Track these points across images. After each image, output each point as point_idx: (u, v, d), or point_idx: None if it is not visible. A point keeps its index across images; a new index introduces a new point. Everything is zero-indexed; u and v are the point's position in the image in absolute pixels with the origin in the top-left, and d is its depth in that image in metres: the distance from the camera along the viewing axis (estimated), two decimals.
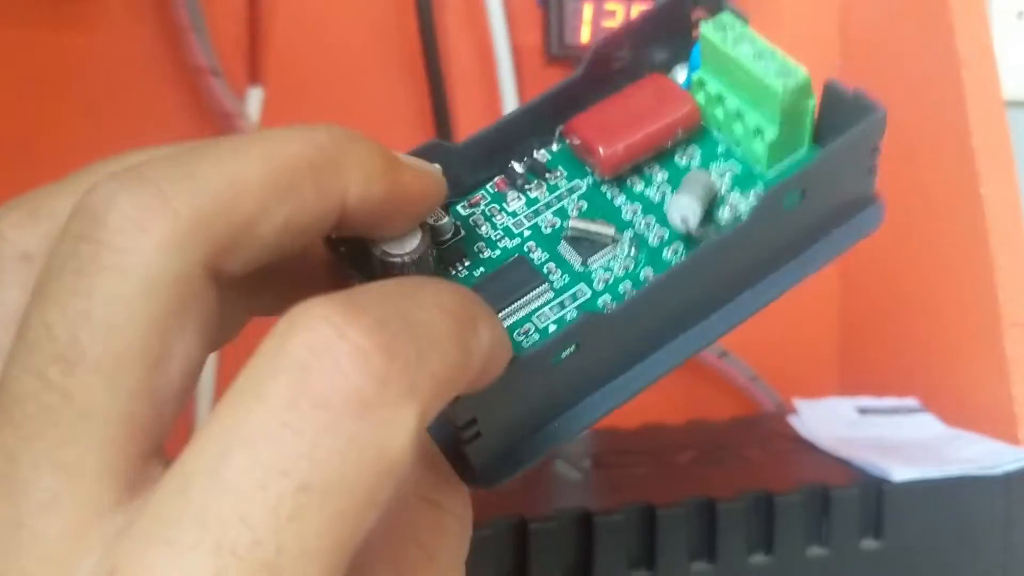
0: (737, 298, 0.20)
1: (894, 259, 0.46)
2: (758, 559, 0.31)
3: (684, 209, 0.19)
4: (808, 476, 0.33)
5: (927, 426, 0.39)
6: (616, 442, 0.39)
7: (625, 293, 0.19)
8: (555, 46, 0.38)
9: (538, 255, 0.20)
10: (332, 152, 0.17)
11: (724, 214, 0.19)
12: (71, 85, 0.41)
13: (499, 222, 0.20)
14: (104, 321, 0.15)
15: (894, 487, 0.32)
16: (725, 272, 0.19)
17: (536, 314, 0.19)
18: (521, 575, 0.29)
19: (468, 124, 0.43)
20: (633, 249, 0.20)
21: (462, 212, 0.20)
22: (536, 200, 0.21)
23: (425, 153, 0.19)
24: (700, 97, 0.20)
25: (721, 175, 0.20)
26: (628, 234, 0.20)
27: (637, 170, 0.21)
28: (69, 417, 0.14)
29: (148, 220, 0.15)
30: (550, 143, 0.21)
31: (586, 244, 0.20)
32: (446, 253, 0.20)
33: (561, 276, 0.20)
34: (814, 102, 0.19)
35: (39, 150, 0.39)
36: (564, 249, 0.20)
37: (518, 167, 0.21)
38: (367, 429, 0.14)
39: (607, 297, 0.19)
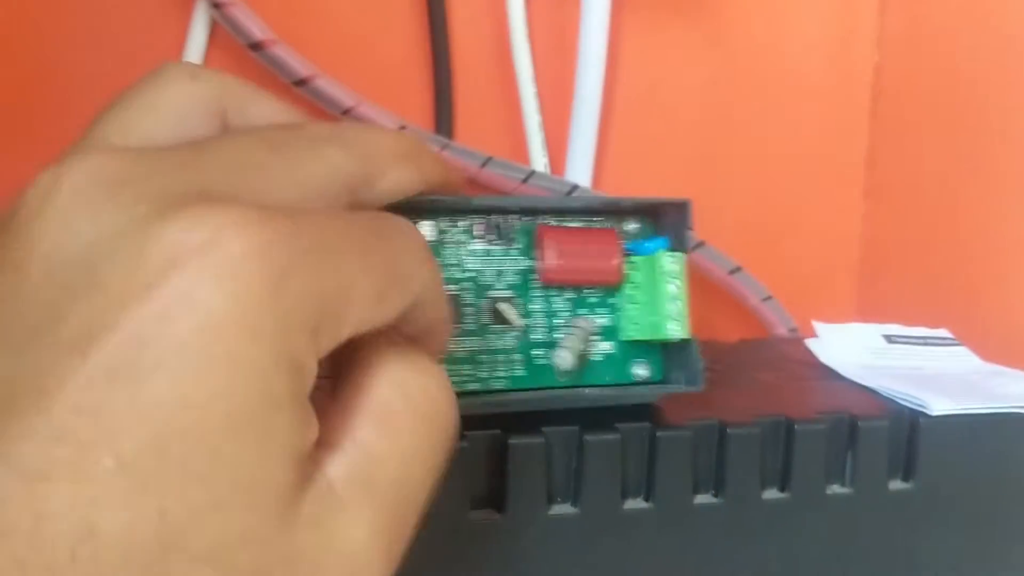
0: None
1: (925, 175, 0.41)
2: (771, 494, 0.27)
3: (561, 361, 0.26)
4: (831, 404, 0.29)
5: (963, 359, 0.34)
6: None
7: (493, 367, 0.26)
8: None
9: (467, 298, 0.26)
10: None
11: (584, 354, 0.26)
12: None
13: (460, 253, 0.26)
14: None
15: (931, 421, 0.28)
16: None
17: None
18: (498, 495, 0.24)
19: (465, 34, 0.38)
20: (520, 339, 0.26)
21: (442, 226, 0.26)
22: (491, 252, 0.26)
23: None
24: (629, 270, 0.26)
25: (601, 317, 0.27)
26: (525, 323, 0.26)
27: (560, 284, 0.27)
28: None
29: None
30: (526, 217, 0.26)
31: (498, 315, 0.26)
32: None
33: (471, 321, 0.26)
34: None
35: None
36: (484, 304, 0.26)
37: (496, 220, 0.26)
38: None
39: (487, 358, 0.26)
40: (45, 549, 0.13)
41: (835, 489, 0.28)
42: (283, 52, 0.35)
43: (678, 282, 0.25)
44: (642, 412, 0.27)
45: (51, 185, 0.16)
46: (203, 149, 0.18)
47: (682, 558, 0.26)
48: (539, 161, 0.40)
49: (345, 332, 0.17)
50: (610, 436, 0.25)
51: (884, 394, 0.30)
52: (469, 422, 0.24)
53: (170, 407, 0.14)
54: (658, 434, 0.26)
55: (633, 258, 0.26)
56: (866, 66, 0.44)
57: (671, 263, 0.25)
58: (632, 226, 0.27)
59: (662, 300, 0.25)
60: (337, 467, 0.17)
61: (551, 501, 0.25)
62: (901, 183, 0.43)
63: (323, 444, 0.17)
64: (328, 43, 0.38)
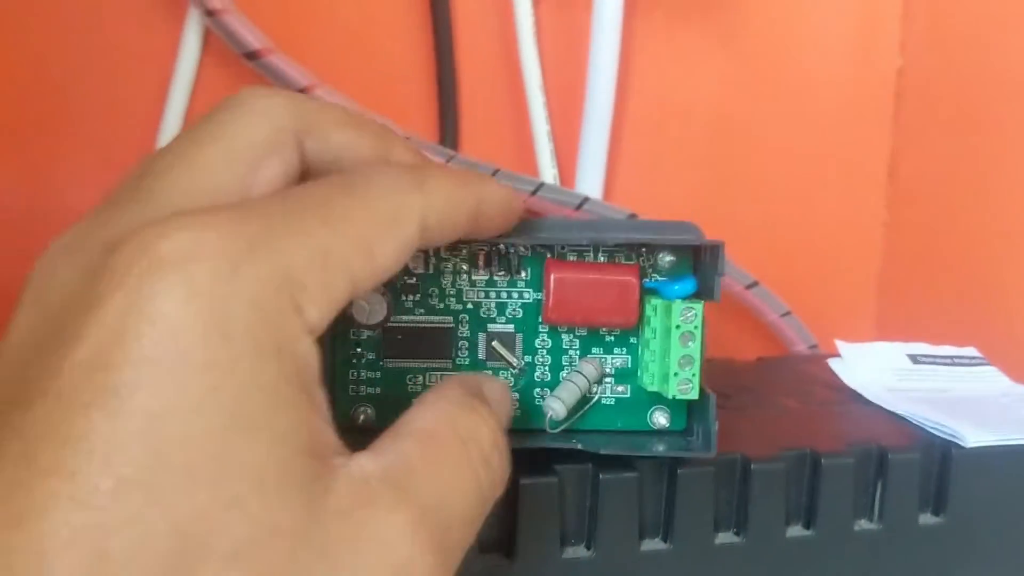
0: None
1: (951, 184, 0.40)
2: (796, 531, 0.26)
3: (551, 412, 0.23)
4: (858, 434, 0.27)
5: (991, 380, 0.33)
6: None
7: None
8: None
9: (463, 331, 0.24)
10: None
11: (590, 398, 0.24)
12: None
13: (460, 283, 0.24)
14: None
15: (963, 452, 0.27)
16: None
17: (429, 375, 0.24)
18: (508, 539, 0.23)
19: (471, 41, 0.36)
20: (520, 377, 0.24)
21: (443, 255, 0.24)
22: (495, 283, 0.24)
23: None
24: (647, 310, 0.24)
25: (616, 358, 0.25)
26: (525, 360, 0.24)
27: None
28: None
29: None
30: (536, 248, 0.24)
31: (495, 352, 0.24)
32: (407, 284, 0.24)
33: (466, 356, 0.24)
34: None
35: None
36: (481, 339, 0.24)
37: (502, 247, 0.24)
38: None
39: None
40: None
41: (863, 525, 0.26)
42: (280, 62, 0.34)
43: (693, 338, 0.22)
44: None
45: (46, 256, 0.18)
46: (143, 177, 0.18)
47: None
48: (548, 172, 0.38)
49: (340, 294, 0.17)
50: (627, 474, 0.24)
51: (912, 421, 0.29)
52: None
53: (157, 420, 0.14)
54: (678, 471, 0.24)
55: (653, 300, 0.23)
56: (889, 70, 0.43)
57: (686, 318, 0.22)
58: (667, 259, 0.24)
59: (673, 356, 0.22)
60: (372, 465, 0.16)
61: (564, 544, 0.24)
62: (925, 192, 0.42)
63: (365, 451, 0.17)
64: (327, 51, 0.36)
